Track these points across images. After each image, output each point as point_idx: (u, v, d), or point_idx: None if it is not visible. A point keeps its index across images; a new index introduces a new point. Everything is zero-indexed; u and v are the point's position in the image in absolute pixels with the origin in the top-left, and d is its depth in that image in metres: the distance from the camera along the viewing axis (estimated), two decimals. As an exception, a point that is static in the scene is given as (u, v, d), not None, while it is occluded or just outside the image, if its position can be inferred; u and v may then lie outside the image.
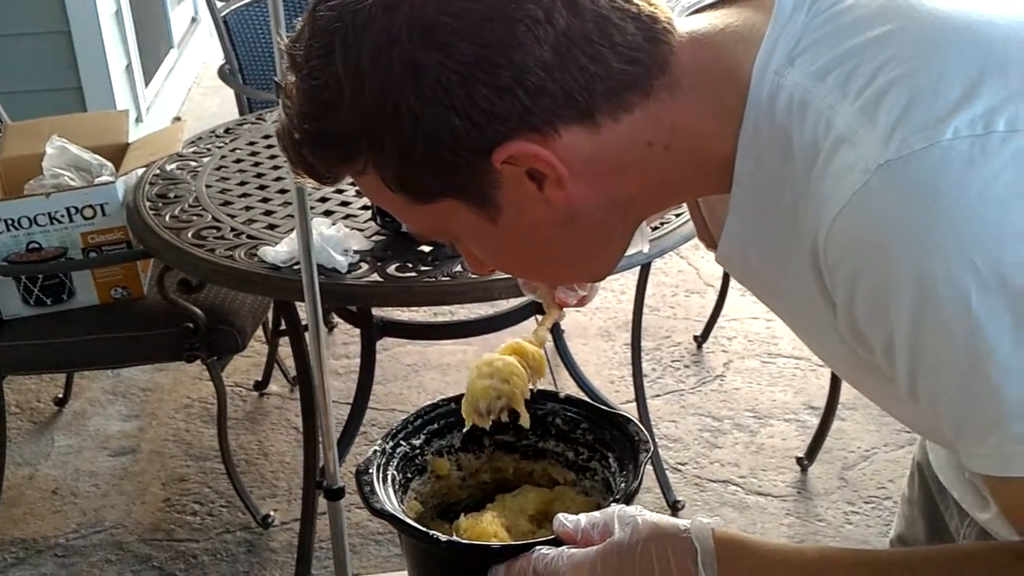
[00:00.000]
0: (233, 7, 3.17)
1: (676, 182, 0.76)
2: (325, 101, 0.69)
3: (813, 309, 0.72)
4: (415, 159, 0.69)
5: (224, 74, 3.21)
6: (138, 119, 4.02)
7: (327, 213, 2.01)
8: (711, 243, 0.84)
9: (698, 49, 0.72)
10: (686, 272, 3.45)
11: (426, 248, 1.83)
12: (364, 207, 2.01)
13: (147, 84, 4.27)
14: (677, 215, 1.90)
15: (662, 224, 1.87)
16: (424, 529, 0.81)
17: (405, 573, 0.91)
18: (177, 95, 4.94)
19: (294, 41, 0.71)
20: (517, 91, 0.66)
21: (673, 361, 2.99)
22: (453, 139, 0.68)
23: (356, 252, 1.81)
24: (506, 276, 1.75)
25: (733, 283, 3.02)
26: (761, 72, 0.69)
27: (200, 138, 2.43)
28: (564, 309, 0.98)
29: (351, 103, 0.68)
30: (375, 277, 1.76)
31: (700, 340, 3.04)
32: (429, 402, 0.98)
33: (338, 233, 1.82)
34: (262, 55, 3.27)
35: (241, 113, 3.18)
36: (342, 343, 3.06)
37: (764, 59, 0.69)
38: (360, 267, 1.79)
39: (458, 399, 0.95)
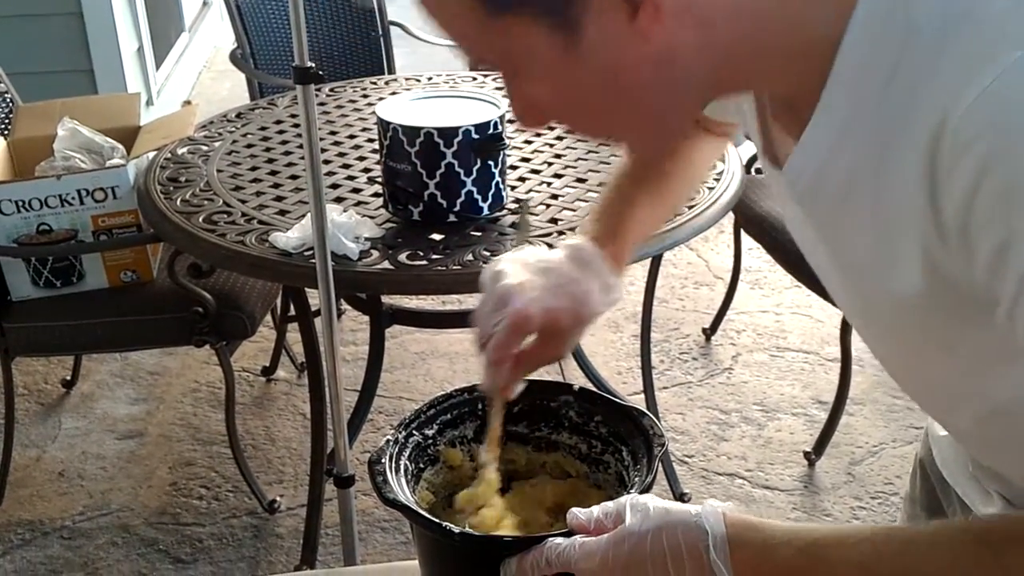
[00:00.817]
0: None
1: (766, 55, 0.68)
2: None
3: (894, 231, 0.66)
4: None
5: (236, 58, 3.21)
6: (149, 102, 4.02)
7: (339, 200, 2.00)
8: (775, 158, 0.78)
9: None
10: (696, 264, 3.44)
11: (437, 236, 1.83)
12: (376, 194, 2.00)
13: (158, 67, 4.26)
14: (690, 207, 1.89)
15: (676, 216, 1.86)
16: (437, 520, 0.81)
17: (414, 562, 0.90)
18: (188, 79, 4.94)
19: None
20: None
21: (681, 353, 2.98)
22: None
23: (367, 239, 1.81)
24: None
25: (743, 276, 3.01)
26: None
27: (212, 122, 2.42)
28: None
29: None
30: (386, 265, 1.76)
31: (709, 333, 3.04)
32: (442, 392, 0.97)
33: (349, 220, 1.82)
34: (274, 40, 3.26)
35: (252, 98, 3.18)
36: (350, 330, 3.06)
37: None
38: (371, 254, 1.78)
39: (471, 389, 0.94)
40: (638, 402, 2.51)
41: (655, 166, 1.02)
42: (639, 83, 0.67)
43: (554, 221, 1.90)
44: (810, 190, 0.73)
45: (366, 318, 2.46)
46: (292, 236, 1.77)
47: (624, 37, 0.64)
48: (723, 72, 0.68)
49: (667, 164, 1.02)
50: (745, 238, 2.78)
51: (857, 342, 2.39)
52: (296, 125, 2.40)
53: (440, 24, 0.69)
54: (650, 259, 2.30)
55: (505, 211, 1.91)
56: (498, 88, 2.62)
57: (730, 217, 2.51)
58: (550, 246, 1.47)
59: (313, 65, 1.51)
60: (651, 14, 0.63)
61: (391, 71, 3.41)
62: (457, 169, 1.81)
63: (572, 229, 1.85)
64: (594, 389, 1.00)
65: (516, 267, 0.90)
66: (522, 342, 0.88)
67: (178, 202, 2.00)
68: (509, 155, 2.15)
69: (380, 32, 3.40)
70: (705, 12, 0.64)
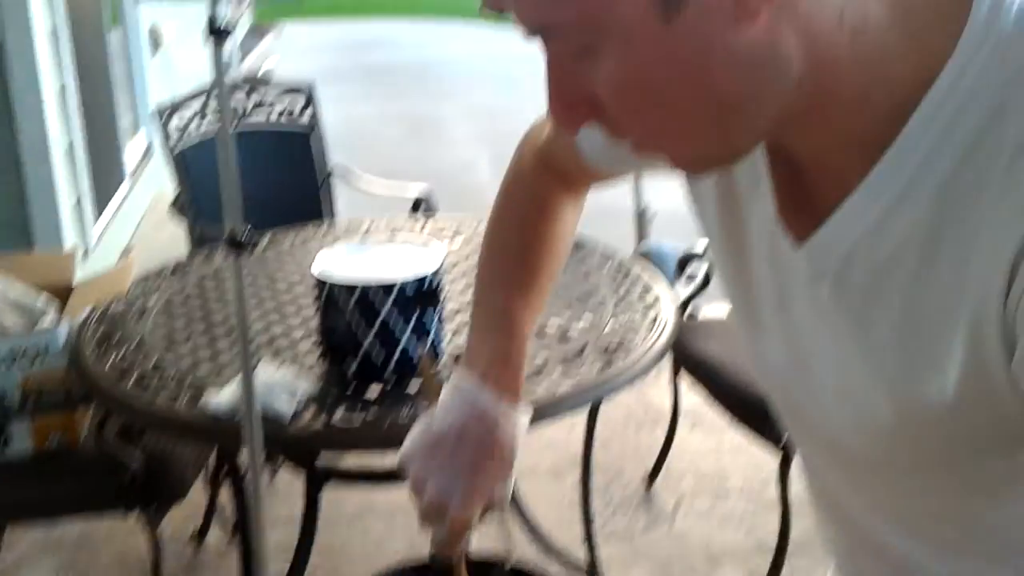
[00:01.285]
0: (188, 143, 3.20)
1: (834, 93, 0.61)
2: None
3: (936, 327, 0.62)
4: None
5: (176, 208, 3.22)
6: (86, 253, 4.00)
7: (275, 354, 1.99)
8: (800, 224, 0.70)
9: None
10: (636, 405, 3.44)
11: (374, 391, 1.82)
12: (312, 348, 1.99)
13: (97, 218, 4.26)
14: (626, 355, 1.91)
15: (611, 364, 1.88)
16: None
17: None
18: (128, 226, 4.94)
19: None
20: None
21: (623, 501, 2.95)
22: None
23: (302, 397, 1.79)
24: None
25: (683, 416, 3.02)
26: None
27: (147, 277, 2.41)
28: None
29: None
30: (321, 423, 1.74)
31: (651, 478, 3.02)
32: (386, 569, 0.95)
33: (284, 377, 1.80)
34: (216, 189, 3.27)
35: (192, 246, 3.18)
36: (285, 489, 2.98)
37: None
38: (306, 413, 1.76)
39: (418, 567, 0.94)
40: (580, 554, 2.47)
41: (527, 267, 1.02)
42: (725, 76, 0.60)
43: (491, 372, 1.90)
44: (840, 268, 0.67)
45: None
46: (223, 399, 1.75)
47: (725, 17, 0.57)
48: (802, 96, 0.61)
49: (537, 257, 1.03)
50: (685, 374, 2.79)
51: (795, 484, 2.39)
52: (233, 278, 2.40)
53: None
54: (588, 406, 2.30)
55: (442, 364, 1.91)
56: (439, 229, 2.65)
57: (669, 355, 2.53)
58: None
59: (245, 230, 1.52)
60: None
61: (333, 214, 3.45)
62: (393, 323, 1.81)
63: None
64: (528, 565, 0.98)
65: (429, 460, 0.90)
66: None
67: (110, 362, 1.97)
68: (448, 302, 2.16)
69: (321, 178, 3.45)
70: (811, 22, 0.59)
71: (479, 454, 0.89)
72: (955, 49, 0.59)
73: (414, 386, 1.84)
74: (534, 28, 0.62)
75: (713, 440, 3.23)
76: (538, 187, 1.05)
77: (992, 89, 0.58)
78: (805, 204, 0.69)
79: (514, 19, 0.63)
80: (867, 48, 0.59)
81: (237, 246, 1.51)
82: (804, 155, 0.68)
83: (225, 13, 1.46)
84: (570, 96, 0.65)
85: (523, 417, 0.93)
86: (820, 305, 0.70)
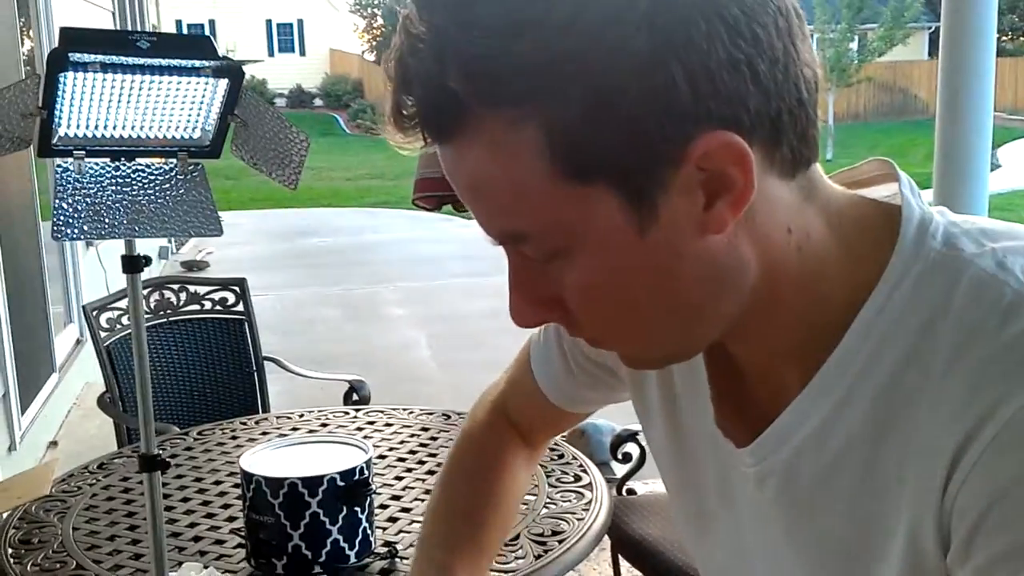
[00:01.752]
0: (117, 336, 3.19)
1: (781, 302, 0.66)
2: (524, 20, 0.56)
3: (882, 522, 0.64)
4: (607, 119, 0.57)
5: (104, 403, 3.18)
6: (11, 447, 3.89)
7: (201, 554, 1.94)
8: (741, 426, 0.73)
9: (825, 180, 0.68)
10: (579, 587, 3.38)
11: (302, 590, 1.77)
12: (239, 545, 1.95)
13: (23, 411, 4.17)
14: (560, 540, 1.89)
15: (546, 552, 1.86)
16: None
17: None
18: (56, 418, 4.84)
19: None
20: (745, 73, 0.58)
21: None
22: (666, 103, 0.57)
23: (228, 598, 1.74)
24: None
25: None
26: (910, 222, 0.65)
27: (72, 475, 2.36)
28: None
29: (562, 28, 0.56)
30: (247, 625, 1.68)
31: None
32: None
33: (209, 578, 1.75)
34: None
35: (120, 441, 3.12)
36: None
37: (909, 221, 0.65)
38: (232, 615, 1.71)
39: None
40: None
41: (474, 525, 0.99)
42: (690, 282, 0.63)
43: (424, 564, 1.86)
44: (784, 470, 0.69)
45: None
46: (146, 602, 1.69)
47: (693, 226, 0.60)
48: (755, 303, 0.65)
49: (486, 513, 1.00)
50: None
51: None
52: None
53: (487, 183, 0.62)
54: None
55: (373, 557, 1.88)
56: (370, 422, 2.65)
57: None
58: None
59: (160, 454, 1.52)
60: (730, 201, 0.60)
61: (265, 405, 3.43)
62: (323, 518, 1.79)
63: (442, 572, 1.82)
64: None
65: None
66: None
67: (29, 566, 1.90)
68: (379, 493, 2.14)
69: (254, 367, 3.44)
70: (765, 234, 0.63)
71: None
72: (886, 269, 0.64)
73: (344, 582, 1.80)
74: (501, 236, 0.64)
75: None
76: (491, 441, 1.05)
77: (922, 306, 0.63)
78: (745, 406, 0.72)
79: (480, 227, 0.65)
80: (810, 262, 0.64)
81: (152, 466, 1.50)
82: (745, 359, 0.72)
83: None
84: (533, 295, 0.66)
85: None
86: (764, 506, 0.72)
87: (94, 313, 3.14)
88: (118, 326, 3.19)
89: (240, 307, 3.42)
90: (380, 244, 11.83)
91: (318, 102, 30.50)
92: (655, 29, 0.56)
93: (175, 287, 3.38)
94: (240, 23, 31.33)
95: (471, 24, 0.57)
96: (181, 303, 3.37)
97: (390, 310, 8.22)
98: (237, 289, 3.43)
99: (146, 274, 3.87)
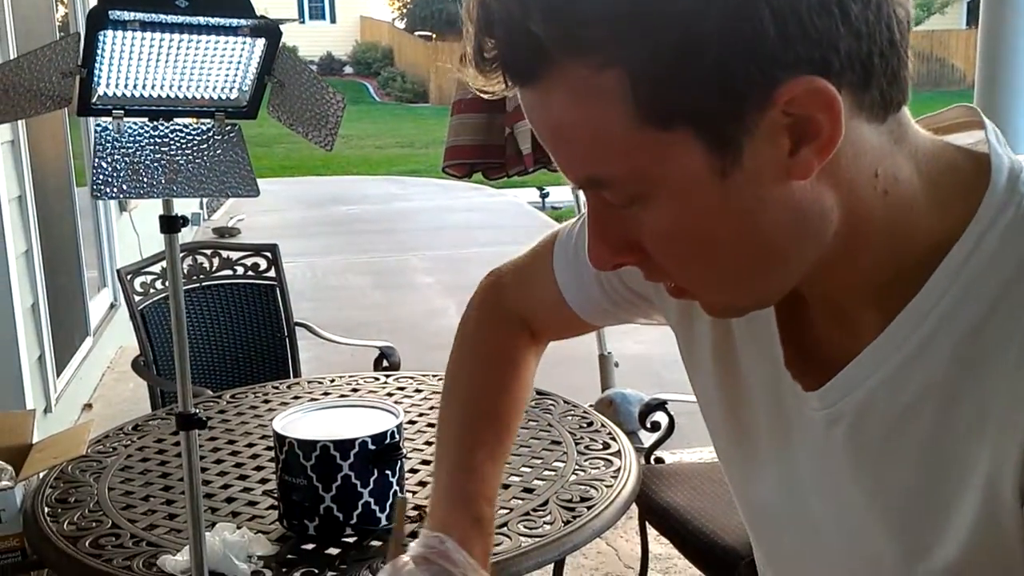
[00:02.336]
0: (151, 300, 3.23)
1: (865, 245, 0.64)
2: None
3: (955, 477, 0.63)
4: (693, 65, 0.56)
5: (138, 366, 3.22)
6: (47, 409, 3.96)
7: (234, 514, 1.96)
8: (810, 371, 0.72)
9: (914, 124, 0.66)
10: (606, 553, 3.40)
11: (333, 551, 1.79)
12: (272, 507, 1.97)
13: (59, 374, 4.23)
14: (589, 507, 1.90)
15: (574, 518, 1.87)
16: None
17: None
18: (90, 381, 4.90)
19: None
20: (836, 15, 0.56)
21: (596, 653, 2.88)
22: (753, 48, 0.56)
23: (260, 558, 1.76)
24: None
25: (653, 563, 2.98)
26: (1000, 171, 0.64)
27: (107, 436, 2.39)
28: None
29: None
30: (280, 585, 1.71)
31: (622, 629, 2.96)
32: None
33: (242, 538, 1.78)
34: (177, 346, 3.29)
35: (153, 404, 3.16)
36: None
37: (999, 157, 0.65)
38: (264, 574, 1.73)
39: None
40: None
41: (493, 424, 0.98)
42: (772, 227, 0.62)
43: (454, 528, 1.88)
44: (856, 415, 0.68)
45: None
46: (180, 559, 1.72)
47: (776, 171, 0.59)
48: (836, 246, 0.64)
49: (503, 413, 0.99)
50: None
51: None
52: (194, 436, 2.39)
53: (569, 129, 0.61)
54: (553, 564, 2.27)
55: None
56: (400, 388, 2.67)
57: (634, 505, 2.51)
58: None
59: (198, 411, 1.53)
60: (816, 147, 0.58)
61: (296, 371, 3.46)
62: (354, 481, 1.80)
63: (472, 536, 1.83)
64: None
65: None
66: None
67: (65, 525, 1.93)
68: (409, 457, 2.16)
69: (285, 333, 3.47)
70: (850, 178, 0.62)
71: None
72: (977, 213, 0.63)
73: (375, 545, 1.82)
74: (582, 180, 0.63)
75: (683, 592, 3.18)
76: (503, 337, 1.03)
77: (1010, 256, 0.62)
78: (814, 349, 0.71)
79: (560, 171, 0.64)
80: (896, 206, 0.63)
81: (189, 424, 1.52)
82: (820, 302, 0.71)
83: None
84: (613, 240, 0.65)
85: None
86: (830, 449, 0.71)
87: (128, 277, 3.17)
88: (152, 290, 3.23)
89: (272, 272, 3.44)
90: (409, 212, 11.85)
91: (348, 70, 30.46)
92: None
93: (208, 252, 3.41)
94: (271, -10, 31.26)
95: None
96: (214, 268, 3.40)
97: (419, 278, 8.24)
98: (269, 255, 3.45)
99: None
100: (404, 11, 33.54)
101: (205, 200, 10.69)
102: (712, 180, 0.59)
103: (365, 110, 24.31)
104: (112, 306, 5.68)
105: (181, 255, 3.31)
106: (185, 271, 3.33)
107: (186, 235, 9.17)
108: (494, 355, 1.03)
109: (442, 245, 9.56)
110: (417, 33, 28.35)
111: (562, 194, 10.00)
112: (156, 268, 3.25)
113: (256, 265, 3.44)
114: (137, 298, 3.18)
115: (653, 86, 0.57)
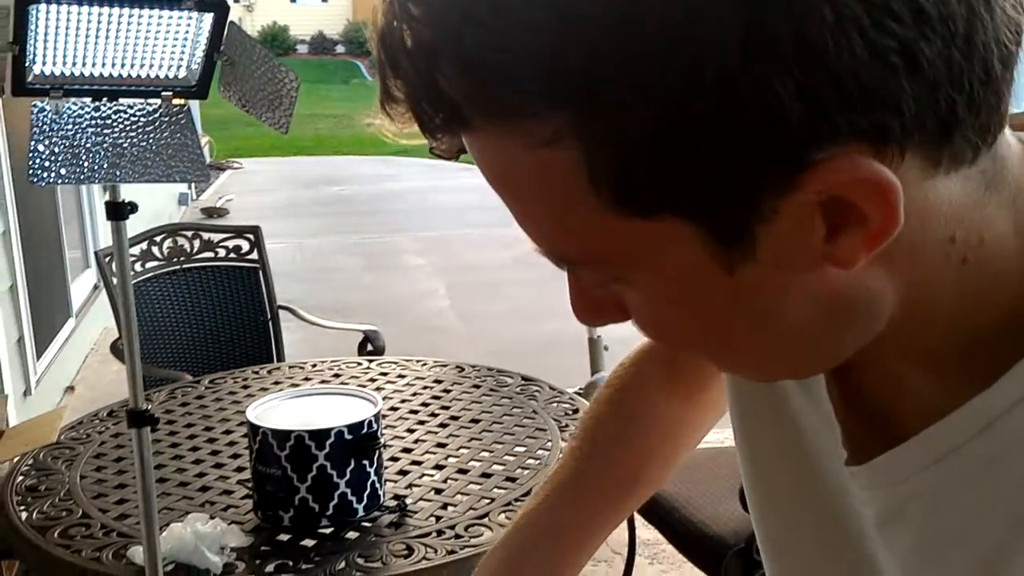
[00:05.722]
0: (132, 282, 3.16)
1: (929, 322, 0.50)
2: (567, 5, 0.40)
3: None
4: (678, 150, 0.41)
5: (117, 349, 3.16)
6: (26, 392, 3.89)
7: (209, 504, 1.91)
8: (864, 442, 0.56)
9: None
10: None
11: (309, 543, 1.74)
12: (247, 496, 1.92)
13: (39, 356, 4.17)
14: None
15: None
16: None
17: None
18: (73, 364, 4.84)
19: None
20: (898, 67, 0.41)
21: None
22: (769, 129, 0.40)
23: (233, 550, 1.71)
24: (395, 571, 1.68)
25: (641, 550, 2.94)
26: None
27: (81, 422, 2.34)
28: None
29: (616, 22, 0.40)
30: (253, 578, 1.66)
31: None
32: None
33: (214, 530, 1.73)
34: (158, 330, 3.23)
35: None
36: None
37: None
38: (236, 567, 1.68)
39: None
40: None
41: (611, 501, 0.81)
42: (801, 322, 0.48)
43: (436, 518, 1.83)
44: (907, 498, 0.53)
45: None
46: (150, 553, 1.67)
47: (805, 259, 0.45)
48: (891, 326, 0.50)
49: (627, 489, 0.82)
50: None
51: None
52: (170, 422, 2.33)
53: (513, 190, 0.47)
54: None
55: (382, 511, 1.84)
56: (383, 373, 2.62)
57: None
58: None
59: (147, 407, 1.48)
60: (859, 242, 0.44)
61: (280, 354, 3.40)
62: (330, 471, 1.75)
63: (452, 527, 1.79)
64: None
65: None
66: None
67: (35, 514, 1.88)
68: (390, 445, 2.11)
69: (268, 316, 3.41)
70: (913, 255, 0.47)
71: None
72: None
73: (352, 537, 1.77)
74: (547, 254, 0.50)
75: (672, 575, 3.15)
76: (650, 395, 0.84)
77: None
78: (863, 414, 0.57)
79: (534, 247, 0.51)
80: (979, 275, 0.48)
81: (140, 421, 1.46)
82: (878, 370, 0.55)
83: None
84: (595, 303, 0.53)
85: None
86: (871, 534, 0.57)
87: (107, 259, 3.11)
88: (132, 271, 3.16)
89: (254, 255, 3.38)
90: (399, 193, 11.77)
91: (340, 49, 30.28)
92: (753, 29, 0.39)
93: (188, 234, 3.35)
94: (262, -32, 31.04)
95: (497, 15, 0.41)
96: (195, 250, 3.33)
97: (409, 259, 8.18)
98: (251, 237, 3.38)
99: (162, 220, 3.84)
100: (396, -10, 33.24)
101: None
102: (714, 272, 0.46)
103: (357, 89, 24.17)
104: (96, 287, 5.61)
105: (161, 236, 3.27)
106: (165, 253, 3.27)
107: (174, 215, 9.08)
108: (636, 423, 0.85)
109: (433, 226, 9.49)
110: (409, 12, 28.12)
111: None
112: (136, 250, 3.19)
113: (238, 247, 3.38)
114: (116, 281, 3.12)
115: (619, 171, 0.42)
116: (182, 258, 3.31)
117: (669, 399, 0.84)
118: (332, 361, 2.75)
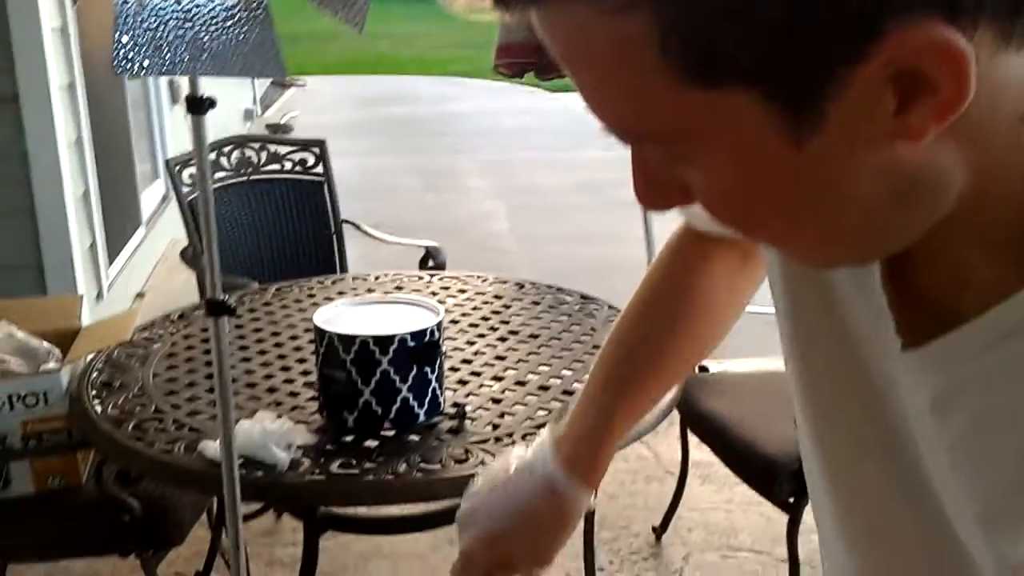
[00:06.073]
0: (209, 172, 3.22)
1: (998, 201, 0.49)
2: None
3: None
4: (749, 19, 0.42)
5: (186, 257, 3.24)
6: (99, 296, 4.02)
7: (276, 404, 1.98)
8: (919, 329, 0.56)
9: None
10: (646, 458, 3.41)
11: (371, 444, 1.80)
12: (312, 399, 1.98)
13: (111, 262, 4.28)
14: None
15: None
16: None
17: None
18: (142, 271, 4.96)
19: None
20: None
21: (632, 553, 2.91)
22: None
23: (299, 447, 1.78)
24: (453, 474, 1.73)
25: (693, 470, 2.98)
26: None
27: (153, 323, 2.42)
28: None
29: None
30: (317, 474, 1.72)
31: (659, 531, 2.98)
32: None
33: (281, 427, 1.79)
34: (225, 238, 3.30)
35: (202, 295, 3.19)
36: (291, 529, 2.97)
37: None
38: (302, 463, 1.74)
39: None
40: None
41: (652, 368, 0.94)
42: (868, 198, 0.48)
43: (494, 426, 1.88)
44: (964, 380, 0.53)
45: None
46: (219, 448, 1.73)
47: (875, 133, 0.45)
48: (960, 204, 0.49)
49: (669, 355, 0.94)
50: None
51: (804, 544, 2.36)
52: (239, 326, 2.40)
53: (582, 68, 0.48)
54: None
55: (442, 417, 1.89)
56: (444, 287, 2.66)
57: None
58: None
59: (227, 297, 1.52)
60: (929, 113, 0.44)
61: (343, 267, 3.46)
62: (392, 376, 1.80)
63: (510, 435, 1.83)
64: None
65: (483, 498, 0.92)
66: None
67: (109, 408, 1.96)
68: (450, 356, 2.15)
69: (333, 229, 3.46)
70: (982, 130, 0.47)
71: (543, 535, 0.91)
72: None
73: (413, 440, 1.82)
74: (610, 130, 0.50)
75: (723, 494, 3.19)
76: (688, 257, 0.92)
77: None
78: (920, 302, 0.57)
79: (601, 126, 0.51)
80: None
81: (219, 310, 1.51)
82: (939, 256, 0.55)
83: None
84: (660, 185, 0.53)
85: (588, 501, 0.93)
86: (926, 415, 0.57)
87: (176, 168, 3.17)
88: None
89: (319, 169, 3.41)
90: (461, 114, 11.73)
91: (404, -33, 29.97)
92: None
93: (256, 146, 3.39)
94: None
95: None
96: (262, 162, 3.38)
97: (470, 180, 8.18)
98: (317, 150, 3.42)
99: (229, 132, 3.86)
100: (462, -93, 32.67)
101: (259, 95, 10.66)
102: (782, 146, 0.46)
103: (421, 10, 23.96)
104: (164, 198, 5.71)
105: (229, 148, 3.31)
106: (233, 164, 3.32)
107: (241, 130, 9.16)
108: (675, 286, 0.94)
109: (494, 148, 9.47)
110: (475, -70, 27.66)
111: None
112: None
113: (304, 161, 3.42)
114: (185, 189, 3.19)
115: (691, 39, 0.43)
116: (249, 169, 3.36)
117: (709, 265, 0.92)
118: (395, 274, 2.80)
